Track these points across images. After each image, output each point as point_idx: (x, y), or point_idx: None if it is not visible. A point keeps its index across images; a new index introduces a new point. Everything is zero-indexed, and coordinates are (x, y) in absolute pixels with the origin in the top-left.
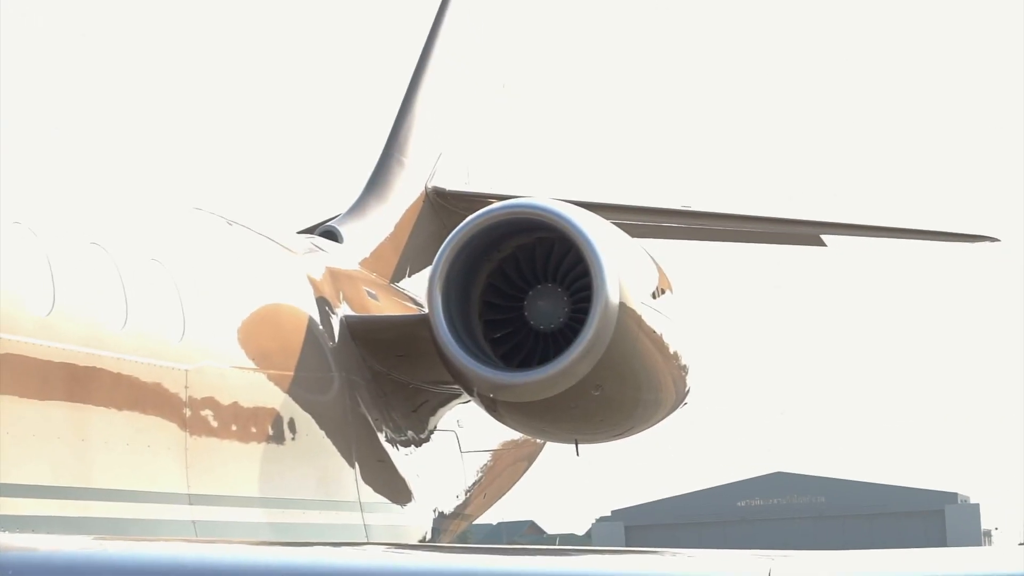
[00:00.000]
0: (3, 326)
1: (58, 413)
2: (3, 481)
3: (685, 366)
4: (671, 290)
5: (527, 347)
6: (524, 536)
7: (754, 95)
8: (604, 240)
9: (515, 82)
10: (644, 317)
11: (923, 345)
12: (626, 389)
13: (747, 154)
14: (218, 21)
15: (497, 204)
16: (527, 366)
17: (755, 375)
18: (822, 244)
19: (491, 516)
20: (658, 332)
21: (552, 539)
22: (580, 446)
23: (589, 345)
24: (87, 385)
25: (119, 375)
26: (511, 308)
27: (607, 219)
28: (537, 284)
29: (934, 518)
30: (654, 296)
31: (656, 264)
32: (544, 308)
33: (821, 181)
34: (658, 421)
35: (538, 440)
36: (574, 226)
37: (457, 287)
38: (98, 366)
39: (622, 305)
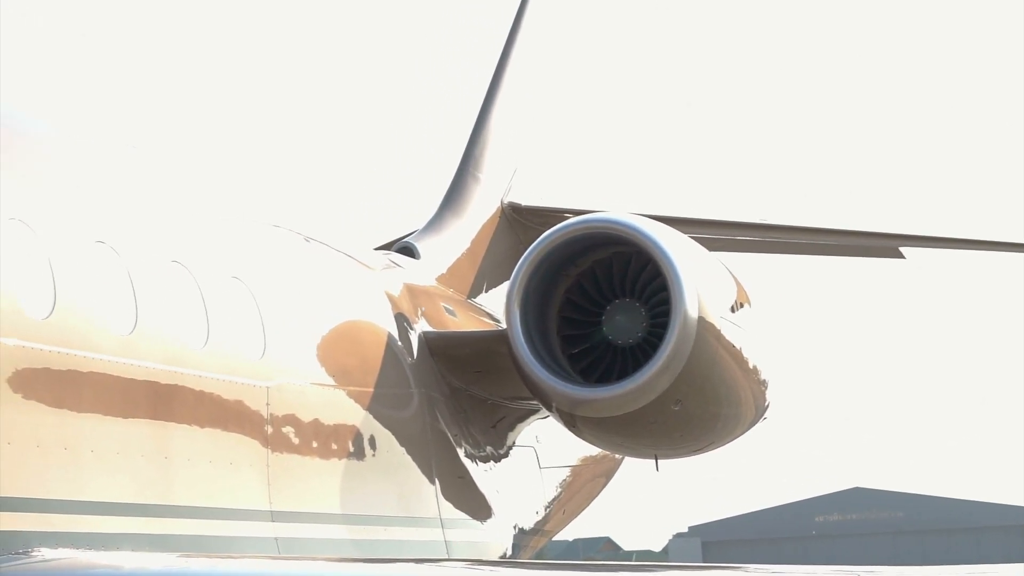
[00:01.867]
0: (87, 345)
1: (141, 431)
2: (87, 499)
3: (764, 380)
4: (749, 303)
5: (605, 362)
6: (600, 552)
7: (831, 106)
8: (682, 254)
9: (591, 95)
10: (723, 331)
11: (1005, 357)
12: (706, 404)
13: (824, 166)
14: (297, 36)
15: (574, 219)
16: (606, 381)
17: (832, 389)
18: (901, 256)
19: (567, 532)
20: (737, 346)
21: (629, 555)
22: (659, 461)
23: (668, 360)
24: (169, 403)
25: (201, 393)
26: (589, 323)
27: (684, 233)
28: (615, 299)
29: (1015, 533)
30: (732, 310)
31: (734, 277)
32: (622, 323)
33: (900, 193)
34: (737, 436)
35: (617, 456)
36: (652, 240)
37: (535, 302)
38: (180, 384)
39: (701, 319)
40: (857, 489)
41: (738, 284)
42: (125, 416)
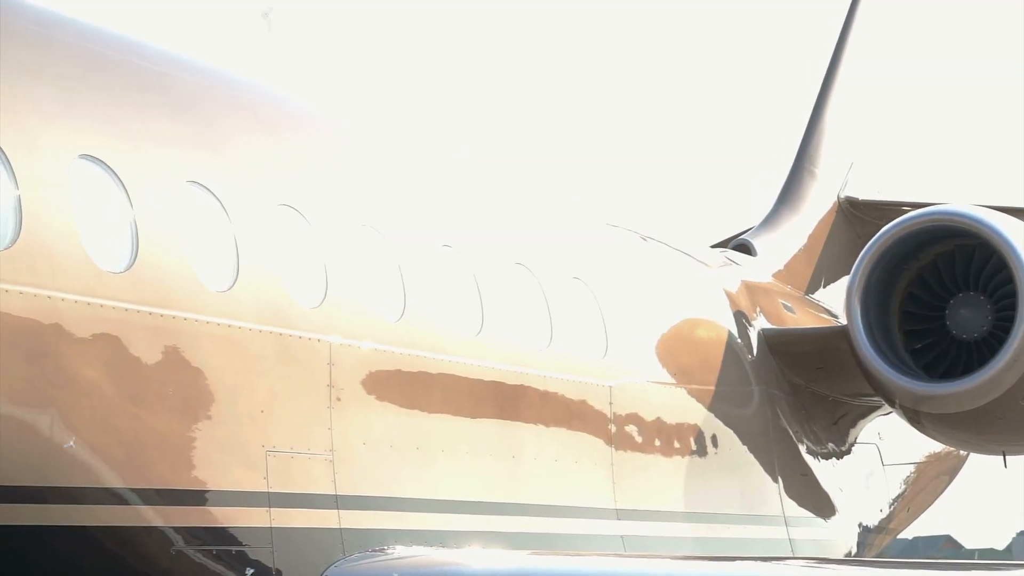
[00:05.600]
0: (436, 347)
1: (489, 430)
2: (439, 497)
3: None
4: None
5: (949, 357)
6: (941, 551)
7: None
8: None
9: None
10: None
11: None
12: None
13: None
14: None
15: (914, 212)
16: (950, 376)
17: None
18: None
19: (906, 530)
20: None
21: (971, 553)
22: (1007, 457)
23: (1016, 354)
24: (515, 403)
25: (545, 392)
26: (932, 318)
27: None
28: (958, 292)
29: None
30: None
31: None
32: (966, 317)
33: None
34: None
35: (962, 452)
36: (997, 232)
37: (875, 298)
38: (525, 384)
39: None
40: None
41: None
42: (473, 416)
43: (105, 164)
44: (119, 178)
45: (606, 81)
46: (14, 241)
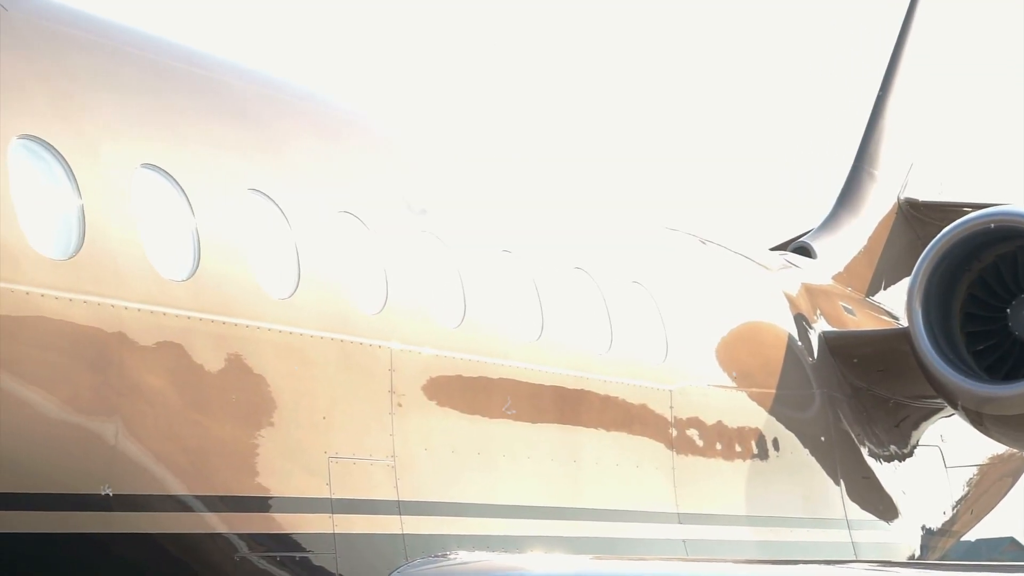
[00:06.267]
0: (496, 352)
1: (549, 435)
2: (500, 502)
3: None
4: None
5: (1012, 359)
6: (1005, 553)
7: None
8: None
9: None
10: None
11: None
12: None
13: None
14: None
15: (975, 213)
16: (1013, 378)
17: None
18: None
19: (969, 533)
20: None
21: None
22: None
23: None
24: (576, 407)
25: (606, 397)
26: (994, 319)
27: None
28: (1020, 294)
29: None
30: None
31: None
32: None
33: None
34: None
35: None
36: None
37: (937, 299)
38: (586, 388)
39: None
40: None
41: None
42: (534, 421)
43: (167, 173)
44: (181, 186)
45: (657, 80)
46: (78, 250)
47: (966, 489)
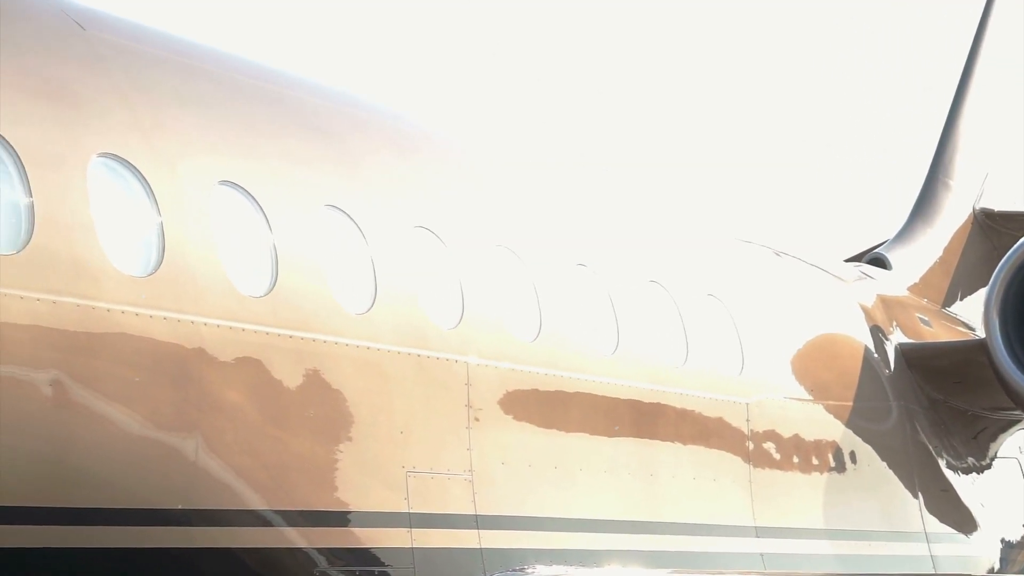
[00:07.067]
0: (572, 366)
1: (626, 449)
2: (577, 516)
3: None
4: None
5: None
6: None
7: None
8: None
9: None
10: None
11: None
12: None
13: None
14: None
15: None
16: None
17: None
18: None
19: None
20: None
21: None
22: None
23: None
24: (653, 421)
25: (683, 410)
26: None
27: None
28: None
29: None
30: None
31: None
32: None
33: None
34: None
35: None
36: None
37: (1015, 310)
38: (662, 402)
39: None
40: None
41: None
42: (610, 435)
43: (244, 189)
44: (258, 203)
45: (733, 88)
46: (157, 267)
47: None
